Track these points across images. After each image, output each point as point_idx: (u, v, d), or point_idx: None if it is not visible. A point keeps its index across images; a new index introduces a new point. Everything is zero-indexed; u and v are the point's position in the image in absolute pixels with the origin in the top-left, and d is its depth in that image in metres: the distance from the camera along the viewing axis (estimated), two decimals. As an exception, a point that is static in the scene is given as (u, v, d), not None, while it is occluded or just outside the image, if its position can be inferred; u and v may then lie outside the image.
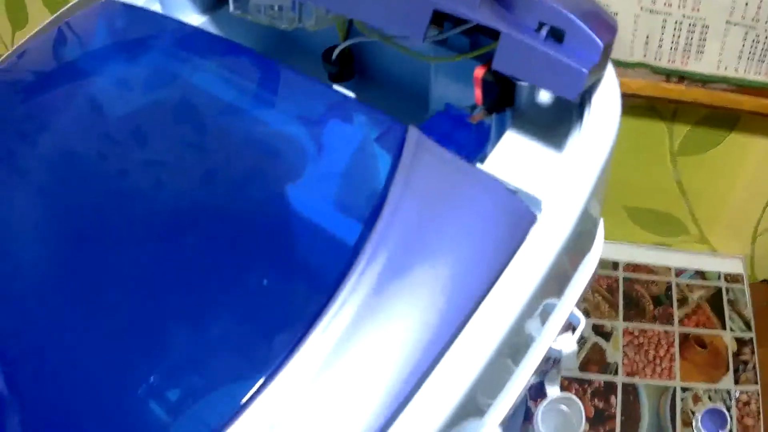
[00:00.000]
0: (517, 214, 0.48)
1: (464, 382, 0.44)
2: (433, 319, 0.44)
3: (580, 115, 0.54)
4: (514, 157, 0.54)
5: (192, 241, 0.49)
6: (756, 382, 1.29)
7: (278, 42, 0.81)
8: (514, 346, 0.49)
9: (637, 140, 1.31)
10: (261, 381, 0.41)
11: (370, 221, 0.47)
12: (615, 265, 1.43)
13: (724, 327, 1.36)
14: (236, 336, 0.45)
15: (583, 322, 0.58)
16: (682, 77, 1.15)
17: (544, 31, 0.49)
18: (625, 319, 1.36)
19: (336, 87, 0.56)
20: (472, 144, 0.56)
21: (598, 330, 1.35)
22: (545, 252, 0.48)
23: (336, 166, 0.51)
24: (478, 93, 0.55)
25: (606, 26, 0.49)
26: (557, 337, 0.55)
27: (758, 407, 1.26)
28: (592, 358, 1.31)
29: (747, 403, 1.26)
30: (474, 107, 0.57)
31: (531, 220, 0.48)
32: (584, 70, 0.47)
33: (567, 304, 0.56)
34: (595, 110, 0.53)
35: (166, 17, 0.68)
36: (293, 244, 0.48)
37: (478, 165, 0.52)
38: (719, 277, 1.44)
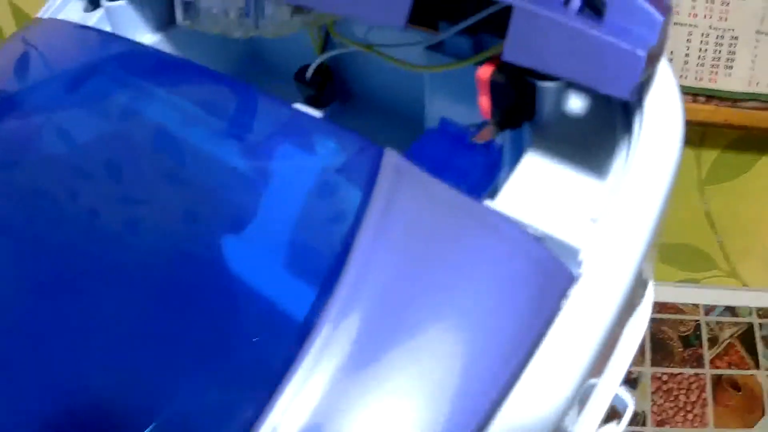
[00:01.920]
0: (548, 273, 0.32)
1: None
2: None
3: (628, 127, 0.37)
4: (537, 189, 0.37)
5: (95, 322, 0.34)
6: None
7: (248, 63, 0.71)
8: None
9: None
10: None
11: (327, 286, 0.31)
12: None
13: (757, 366, 1.26)
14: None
15: (631, 407, 0.45)
16: (711, 96, 1.05)
17: (576, 1, 0.32)
18: (652, 363, 1.26)
19: (300, 107, 0.41)
20: (479, 172, 0.39)
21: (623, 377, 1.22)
22: (591, 326, 0.31)
23: (285, 208, 0.36)
24: (484, 101, 0.38)
25: (659, -3, 0.33)
26: (598, 429, 0.42)
27: None
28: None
29: None
30: (481, 125, 0.41)
31: (568, 280, 0.31)
32: (641, 52, 0.31)
33: (610, 385, 0.42)
34: (651, 119, 0.36)
35: (115, 36, 0.58)
36: (219, 326, 0.32)
37: (487, 202, 0.35)
38: (750, 313, 1.34)
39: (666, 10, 0.33)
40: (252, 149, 0.39)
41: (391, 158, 0.34)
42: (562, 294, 0.31)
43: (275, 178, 0.37)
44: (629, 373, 1.22)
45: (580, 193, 0.37)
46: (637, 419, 1.19)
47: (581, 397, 0.38)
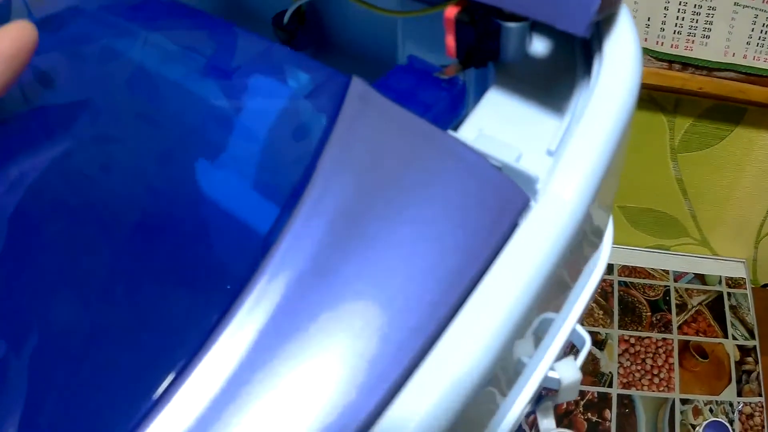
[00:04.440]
0: (503, 197, 0.33)
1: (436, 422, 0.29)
2: (382, 347, 0.29)
3: (588, 69, 0.39)
4: (498, 122, 0.38)
5: (74, 244, 0.34)
6: (760, 394, 1.21)
7: (227, 8, 0.69)
8: (500, 375, 0.35)
9: (634, 134, 1.17)
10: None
11: (289, 204, 0.32)
12: (609, 269, 1.35)
13: (725, 335, 1.28)
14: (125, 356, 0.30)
15: (588, 343, 0.45)
16: (686, 64, 1.06)
17: (537, -61, 0.34)
18: (620, 326, 1.28)
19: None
20: (443, 105, 0.40)
21: (591, 338, 1.21)
22: (543, 250, 0.33)
23: (252, 129, 0.36)
24: (450, 41, 0.39)
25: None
26: (555, 362, 0.42)
27: (762, 420, 1.19)
28: (585, 369, 1.20)
29: (750, 416, 1.19)
30: (448, 65, 0.42)
31: (523, 203, 0.33)
32: (594, -12, 0.32)
33: (568, 320, 0.43)
34: (610, 60, 0.37)
35: None
36: (188, 239, 0.33)
37: (450, 132, 0.36)
38: (720, 282, 1.35)
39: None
40: (221, 75, 0.40)
41: (358, 86, 0.35)
42: (517, 215, 0.32)
43: (243, 103, 0.38)
44: (597, 334, 1.24)
45: (539, 128, 0.38)
46: (604, 380, 1.20)
47: (538, 331, 0.39)
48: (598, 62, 0.38)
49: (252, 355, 0.28)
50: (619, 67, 0.38)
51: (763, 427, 1.17)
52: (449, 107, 0.40)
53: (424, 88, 0.40)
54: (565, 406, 1.17)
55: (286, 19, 0.60)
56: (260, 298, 0.29)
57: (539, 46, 0.41)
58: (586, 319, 1.25)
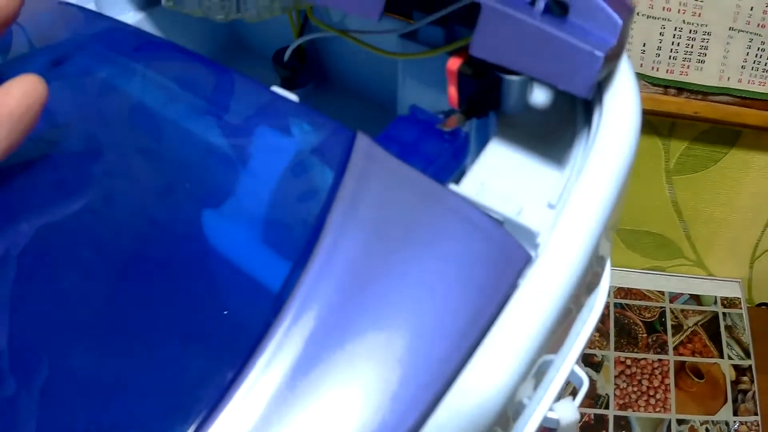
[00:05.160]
0: (506, 253, 0.33)
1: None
2: (391, 404, 0.30)
3: (588, 121, 0.39)
4: (499, 175, 0.39)
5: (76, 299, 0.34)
6: (756, 413, 1.20)
7: (228, 45, 0.71)
8: (502, 419, 0.35)
9: None
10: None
11: (301, 260, 0.32)
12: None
13: (721, 355, 1.27)
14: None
15: (586, 384, 0.46)
16: (681, 89, 1.06)
17: (541, 2, 0.34)
18: (616, 348, 1.27)
19: (276, 89, 0.42)
20: (446, 157, 0.40)
21: (587, 360, 1.25)
22: (546, 303, 0.33)
23: (261, 185, 0.37)
24: (452, 91, 0.40)
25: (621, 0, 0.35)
26: (554, 403, 0.42)
27: None
28: None
29: None
30: (449, 113, 0.43)
31: (524, 260, 0.33)
32: (598, 53, 0.33)
33: (567, 362, 0.43)
34: (610, 113, 0.38)
35: (97, 14, 0.57)
36: (203, 296, 0.33)
37: (452, 186, 0.37)
38: (716, 302, 1.35)
39: (626, 12, 0.35)
40: (230, 129, 0.40)
41: (363, 142, 0.36)
42: (519, 273, 0.33)
43: (252, 157, 0.38)
44: (593, 356, 1.23)
45: (540, 180, 0.38)
46: (600, 402, 1.19)
47: (537, 373, 0.40)
48: (597, 114, 0.39)
49: (267, 412, 0.29)
50: (618, 120, 0.38)
51: (759, 445, 1.16)
52: (452, 159, 0.40)
53: (427, 140, 0.41)
54: (562, 428, 1.16)
55: (286, 56, 0.61)
56: (275, 355, 0.30)
57: (540, 96, 0.42)
58: (582, 340, 1.25)
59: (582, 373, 0.45)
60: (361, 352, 0.30)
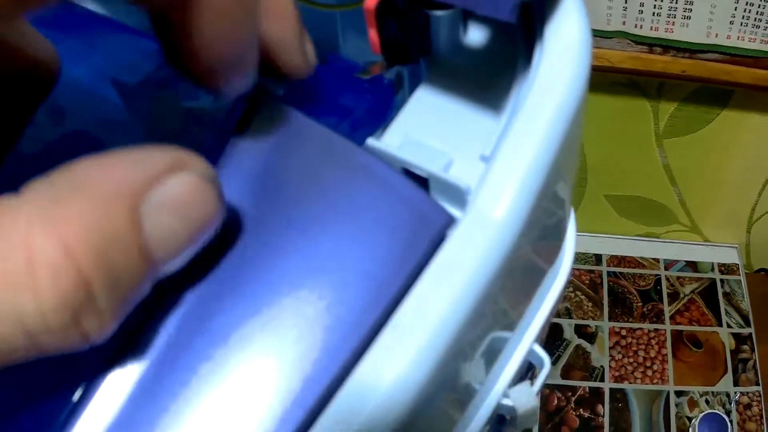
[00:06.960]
0: (418, 216, 0.28)
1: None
2: (267, 409, 0.25)
3: (528, 60, 0.34)
4: (427, 126, 0.34)
5: None
6: (757, 383, 1.19)
7: None
8: (444, 401, 0.31)
9: (618, 121, 1.20)
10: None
11: None
12: (598, 259, 1.33)
13: (720, 323, 1.26)
14: None
15: (547, 365, 0.41)
16: (667, 47, 1.03)
17: None
18: (610, 318, 1.25)
19: None
20: (365, 109, 0.35)
21: (580, 331, 1.24)
22: (467, 271, 0.28)
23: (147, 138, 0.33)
24: (372, 35, 0.35)
25: None
26: (510, 387, 0.39)
27: (760, 410, 1.16)
28: (576, 363, 1.21)
29: (748, 406, 1.17)
30: (374, 61, 0.38)
31: (441, 224, 0.28)
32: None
33: (524, 339, 0.39)
34: (551, 50, 0.33)
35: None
36: None
37: (370, 140, 0.32)
38: (713, 268, 1.33)
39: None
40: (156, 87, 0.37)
41: (265, 98, 0.31)
42: (434, 239, 0.28)
43: (155, 113, 0.35)
44: (587, 327, 1.23)
45: (475, 130, 0.34)
46: (595, 374, 1.18)
47: (489, 352, 0.35)
48: (539, 51, 0.34)
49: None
50: (560, 55, 0.33)
51: (761, 416, 1.15)
52: (373, 111, 0.36)
53: (344, 90, 0.36)
54: (556, 402, 1.15)
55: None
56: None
57: (476, 36, 0.37)
58: (575, 312, 1.24)
59: (543, 353, 0.41)
60: (239, 345, 0.26)
